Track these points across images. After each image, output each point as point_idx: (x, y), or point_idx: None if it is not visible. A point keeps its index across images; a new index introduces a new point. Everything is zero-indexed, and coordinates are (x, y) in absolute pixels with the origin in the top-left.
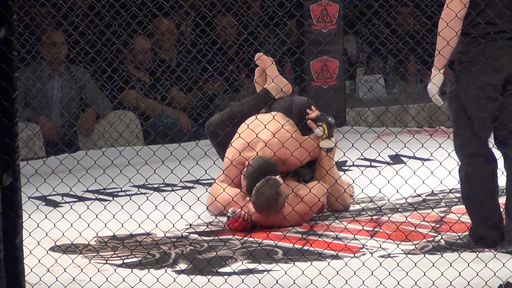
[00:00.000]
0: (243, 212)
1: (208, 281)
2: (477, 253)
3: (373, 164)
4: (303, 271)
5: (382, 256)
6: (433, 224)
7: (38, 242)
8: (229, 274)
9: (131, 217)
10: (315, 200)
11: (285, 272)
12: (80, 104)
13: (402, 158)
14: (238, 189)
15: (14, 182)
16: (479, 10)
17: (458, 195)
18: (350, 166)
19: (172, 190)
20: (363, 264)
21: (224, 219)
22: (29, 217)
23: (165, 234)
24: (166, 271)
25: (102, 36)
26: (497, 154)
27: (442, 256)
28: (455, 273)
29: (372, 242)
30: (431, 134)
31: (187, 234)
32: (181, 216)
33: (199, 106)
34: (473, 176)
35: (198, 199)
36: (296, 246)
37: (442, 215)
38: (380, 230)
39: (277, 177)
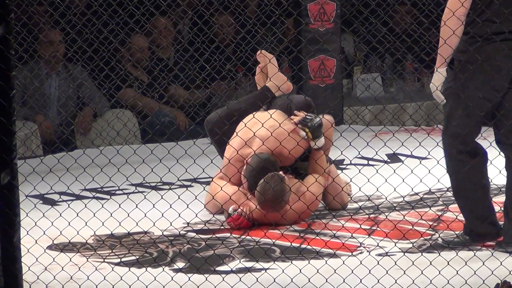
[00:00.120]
0: (245, 210)
1: (206, 279)
2: (475, 251)
3: (371, 162)
4: (300, 270)
5: (379, 255)
6: (430, 223)
7: (36, 241)
8: (227, 272)
9: (128, 215)
10: (314, 198)
11: (283, 270)
12: (78, 102)
13: (400, 156)
14: (237, 187)
15: (12, 181)
16: (481, 9)
17: None
18: (347, 164)
19: (170, 189)
20: (361, 263)
21: (222, 217)
22: (27, 215)
23: (162, 233)
24: (163, 270)
25: (99, 35)
26: (490, 150)
27: (439, 254)
28: (453, 272)
29: (369, 241)
30: (429, 132)
31: (185, 232)
32: (179, 214)
33: (197, 104)
34: (460, 172)
35: (196, 198)
36: (293, 244)
37: (439, 213)
38: (378, 229)
39: (280, 173)
